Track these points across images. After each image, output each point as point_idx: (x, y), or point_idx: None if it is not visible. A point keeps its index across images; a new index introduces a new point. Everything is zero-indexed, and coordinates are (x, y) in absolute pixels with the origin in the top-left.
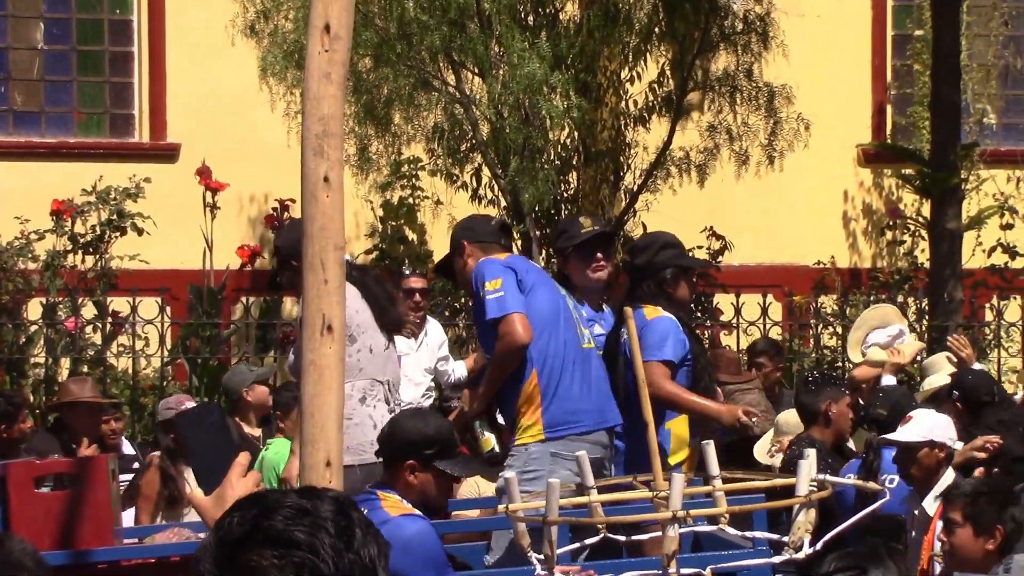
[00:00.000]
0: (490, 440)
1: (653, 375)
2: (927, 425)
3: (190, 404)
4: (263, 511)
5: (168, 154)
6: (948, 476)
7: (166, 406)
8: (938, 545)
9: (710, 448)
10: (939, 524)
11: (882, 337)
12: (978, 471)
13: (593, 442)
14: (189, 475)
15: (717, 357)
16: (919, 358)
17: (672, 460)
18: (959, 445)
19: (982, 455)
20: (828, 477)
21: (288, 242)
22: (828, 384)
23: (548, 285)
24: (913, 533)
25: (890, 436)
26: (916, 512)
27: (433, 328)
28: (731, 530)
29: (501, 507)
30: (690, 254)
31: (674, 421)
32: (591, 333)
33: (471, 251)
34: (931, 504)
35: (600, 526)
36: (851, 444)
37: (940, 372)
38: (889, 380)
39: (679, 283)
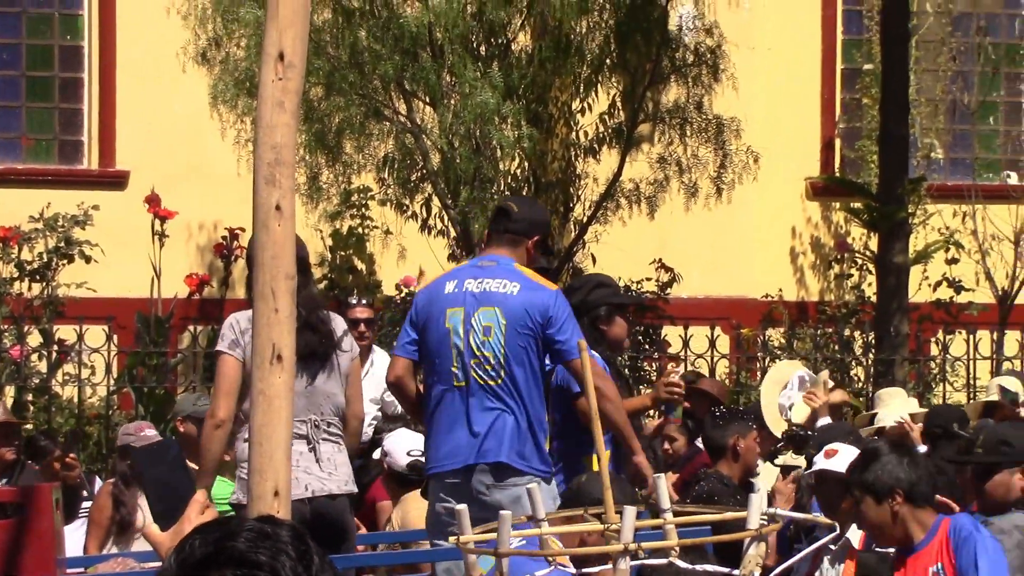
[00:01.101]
0: None
1: (583, 406)
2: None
3: (150, 432)
4: (225, 534)
5: (117, 181)
6: None
7: (125, 432)
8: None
9: (661, 481)
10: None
11: (794, 396)
12: None
13: (449, 482)
14: (143, 501)
15: (715, 386)
16: (830, 384)
17: None
18: None
19: None
20: (779, 511)
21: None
22: (735, 419)
23: (436, 318)
24: (834, 566)
25: (821, 467)
26: (834, 546)
27: (380, 359)
28: (681, 563)
29: (452, 539)
30: (626, 292)
31: (593, 459)
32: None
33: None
34: (855, 534)
35: (550, 559)
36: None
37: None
38: (825, 421)
39: (613, 320)
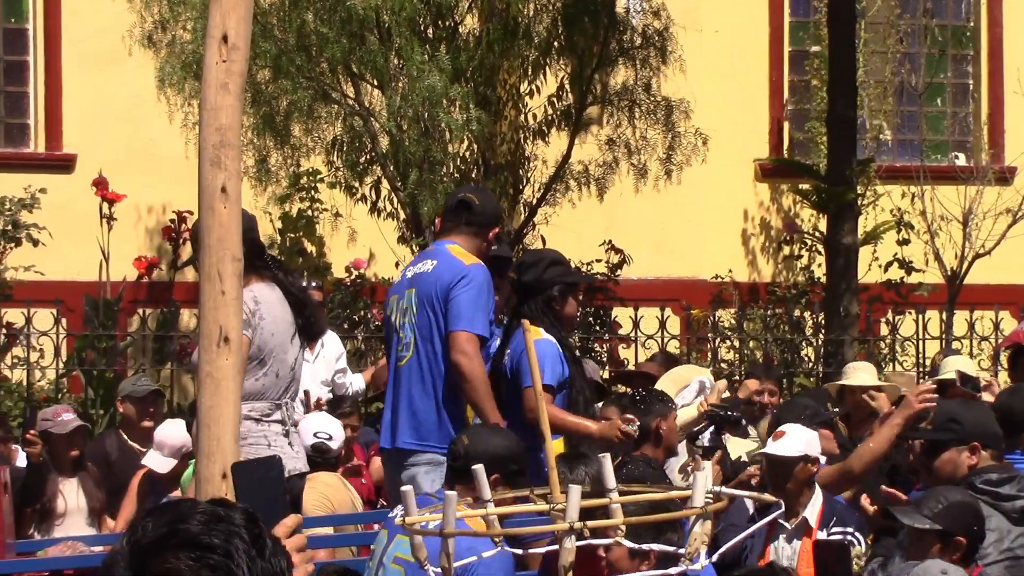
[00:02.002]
0: None
1: (531, 402)
2: (803, 439)
3: (67, 416)
4: (178, 516)
5: (64, 165)
6: (818, 495)
7: (43, 417)
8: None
9: (606, 460)
10: (820, 534)
11: (688, 397)
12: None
13: (386, 459)
14: (64, 486)
15: (656, 368)
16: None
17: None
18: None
19: None
20: (724, 489)
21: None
22: (655, 401)
23: (388, 304)
24: (791, 543)
25: (767, 451)
26: (788, 524)
27: (330, 340)
28: (627, 542)
29: (398, 519)
30: (579, 271)
31: (551, 442)
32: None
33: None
34: (811, 513)
35: (496, 539)
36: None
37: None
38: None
39: (567, 300)
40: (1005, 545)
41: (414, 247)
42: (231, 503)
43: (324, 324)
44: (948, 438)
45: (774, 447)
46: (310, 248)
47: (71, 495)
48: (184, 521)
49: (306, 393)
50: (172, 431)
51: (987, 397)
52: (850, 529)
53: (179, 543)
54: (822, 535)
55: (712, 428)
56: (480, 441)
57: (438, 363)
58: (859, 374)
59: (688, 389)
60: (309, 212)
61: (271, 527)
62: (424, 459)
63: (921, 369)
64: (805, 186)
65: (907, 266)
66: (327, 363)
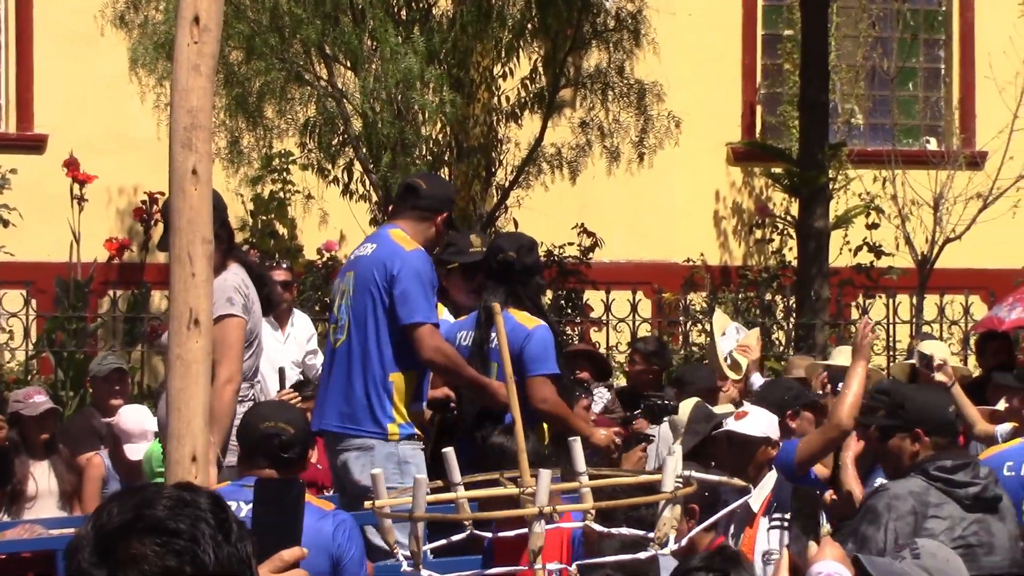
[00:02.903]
0: None
1: (544, 390)
2: (765, 422)
3: (40, 398)
4: (143, 501)
5: (35, 145)
6: (771, 476)
7: (14, 399)
8: (765, 543)
9: (576, 444)
10: (763, 520)
11: (732, 343)
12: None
13: (324, 443)
14: (35, 469)
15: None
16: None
17: None
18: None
19: None
20: (694, 473)
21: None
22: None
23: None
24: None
25: (731, 427)
26: (738, 510)
27: (300, 320)
28: (597, 526)
29: (368, 503)
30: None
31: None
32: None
33: None
34: (755, 500)
35: (467, 522)
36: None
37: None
38: (757, 378)
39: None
40: (957, 533)
41: None
42: (197, 487)
43: (279, 297)
44: (895, 424)
45: (738, 425)
46: (282, 230)
47: (42, 478)
48: (150, 506)
49: (281, 371)
50: (142, 418)
51: (940, 377)
52: (788, 516)
53: (145, 528)
54: (764, 522)
55: (649, 419)
56: (262, 414)
57: (370, 348)
58: (843, 356)
59: (727, 338)
60: (281, 194)
61: (278, 551)
62: (355, 444)
63: (891, 352)
64: (777, 170)
65: (877, 250)
66: (298, 344)
